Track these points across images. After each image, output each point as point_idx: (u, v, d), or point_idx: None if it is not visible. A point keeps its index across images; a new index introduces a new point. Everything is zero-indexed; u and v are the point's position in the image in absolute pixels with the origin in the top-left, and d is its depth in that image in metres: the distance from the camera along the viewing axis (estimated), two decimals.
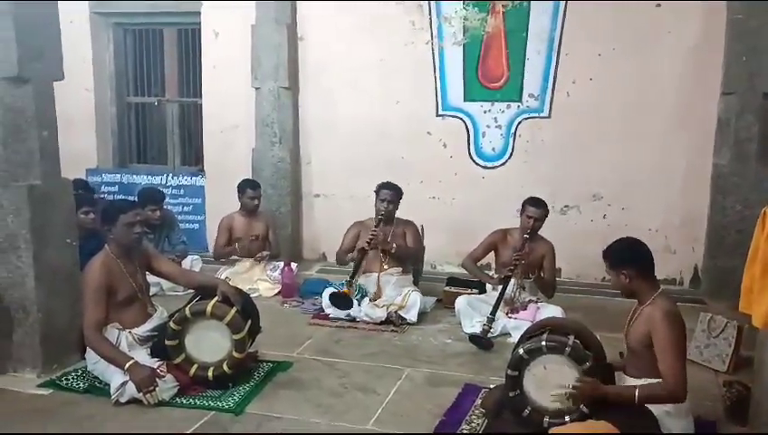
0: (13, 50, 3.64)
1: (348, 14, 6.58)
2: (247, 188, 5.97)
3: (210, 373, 3.77)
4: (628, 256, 3.23)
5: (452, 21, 6.36)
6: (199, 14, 6.98)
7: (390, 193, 5.41)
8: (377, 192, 5.48)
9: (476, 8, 6.28)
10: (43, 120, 3.85)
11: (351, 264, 5.38)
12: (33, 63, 3.75)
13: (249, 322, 3.89)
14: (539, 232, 5.11)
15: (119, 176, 7.50)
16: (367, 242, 5.20)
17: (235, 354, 3.77)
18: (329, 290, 5.23)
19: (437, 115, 6.53)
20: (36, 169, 3.82)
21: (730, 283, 5.61)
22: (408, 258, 5.58)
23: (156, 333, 3.91)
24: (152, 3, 7.13)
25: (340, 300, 5.03)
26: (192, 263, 6.01)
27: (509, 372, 3.26)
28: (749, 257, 2.86)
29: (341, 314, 5.10)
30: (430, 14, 6.39)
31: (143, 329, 3.89)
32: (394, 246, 5.36)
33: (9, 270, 3.84)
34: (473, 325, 4.83)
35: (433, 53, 6.44)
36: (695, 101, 5.92)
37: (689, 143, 5.99)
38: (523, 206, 5.13)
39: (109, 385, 3.65)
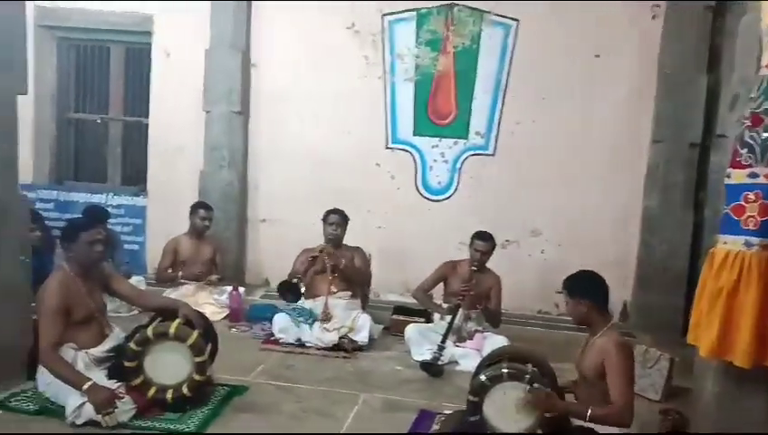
0: None
1: (302, 44, 6.73)
2: (200, 209, 5.96)
3: (169, 396, 3.73)
4: (588, 288, 3.44)
5: (404, 58, 6.60)
6: (149, 33, 6.95)
7: (337, 217, 5.56)
8: (324, 218, 5.61)
9: (428, 47, 6.55)
10: (5, 133, 3.77)
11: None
12: (0, 76, 3.68)
13: (209, 345, 3.89)
14: (486, 265, 5.33)
15: (55, 193, 7.28)
16: (319, 251, 5.36)
17: (196, 377, 3.75)
18: (280, 316, 5.24)
19: (387, 147, 6.73)
20: None
21: (656, 317, 6.04)
22: (357, 280, 5.66)
23: (112, 354, 3.85)
24: (101, 19, 7.03)
25: (289, 290, 5.10)
26: (136, 284, 5.87)
27: (470, 397, 3.41)
28: (696, 294, 3.13)
29: (291, 339, 5.13)
30: (383, 50, 6.62)
31: (100, 350, 3.81)
32: (343, 261, 5.46)
33: None
34: (422, 353, 4.96)
35: (385, 88, 6.65)
36: (628, 147, 6.36)
37: (622, 186, 6.40)
38: (471, 239, 5.34)
39: (62, 407, 3.57)
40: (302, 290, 5.23)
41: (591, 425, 3.26)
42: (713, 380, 3.37)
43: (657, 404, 4.41)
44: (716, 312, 2.87)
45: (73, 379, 3.55)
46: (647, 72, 6.22)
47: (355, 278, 5.63)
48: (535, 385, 3.27)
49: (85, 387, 3.50)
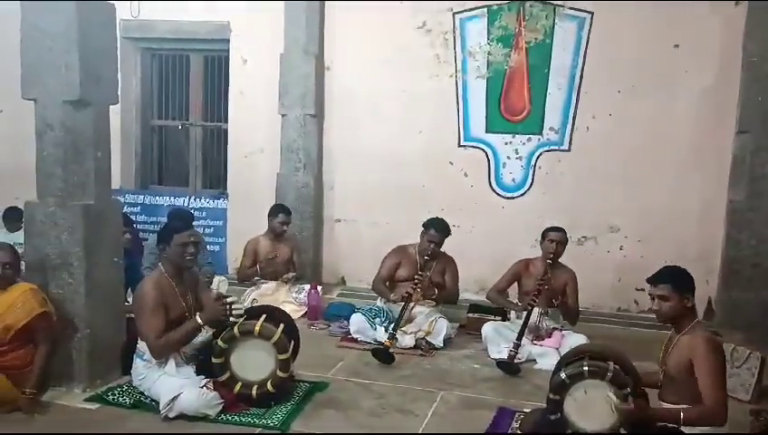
0: (76, 74, 3.78)
1: (374, 46, 6.80)
2: (280, 212, 6.11)
3: (254, 392, 3.86)
4: (690, 283, 3.35)
5: (476, 55, 6.58)
6: (227, 41, 7.18)
7: (439, 236, 5.39)
8: (425, 228, 5.45)
9: (500, 44, 6.51)
10: (100, 141, 3.99)
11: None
12: (93, 87, 3.89)
13: (292, 342, 4.01)
14: (560, 260, 5.26)
15: (141, 197, 7.63)
16: (412, 287, 5.15)
17: (280, 374, 3.87)
18: (357, 316, 5.31)
19: (460, 145, 6.73)
20: (91, 189, 3.94)
21: (744, 315, 5.81)
22: (446, 300, 5.65)
23: (198, 353, 4.01)
24: (181, 29, 7.31)
25: (382, 354, 4.84)
26: (219, 284, 6.11)
27: (550, 395, 3.38)
28: None
29: (368, 339, 5.18)
30: (455, 48, 6.62)
31: (190, 347, 3.97)
32: (436, 291, 5.44)
33: (60, 286, 3.94)
34: (499, 351, 4.94)
35: (457, 86, 6.65)
36: (710, 139, 6.14)
37: (704, 179, 6.20)
38: (543, 234, 5.29)
39: (155, 401, 3.76)
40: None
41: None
42: None
43: (748, 404, 4.25)
44: None
45: (186, 331, 3.83)
46: (730, 61, 5.99)
47: (444, 300, 5.60)
48: (627, 390, 3.20)
49: (199, 321, 3.82)
